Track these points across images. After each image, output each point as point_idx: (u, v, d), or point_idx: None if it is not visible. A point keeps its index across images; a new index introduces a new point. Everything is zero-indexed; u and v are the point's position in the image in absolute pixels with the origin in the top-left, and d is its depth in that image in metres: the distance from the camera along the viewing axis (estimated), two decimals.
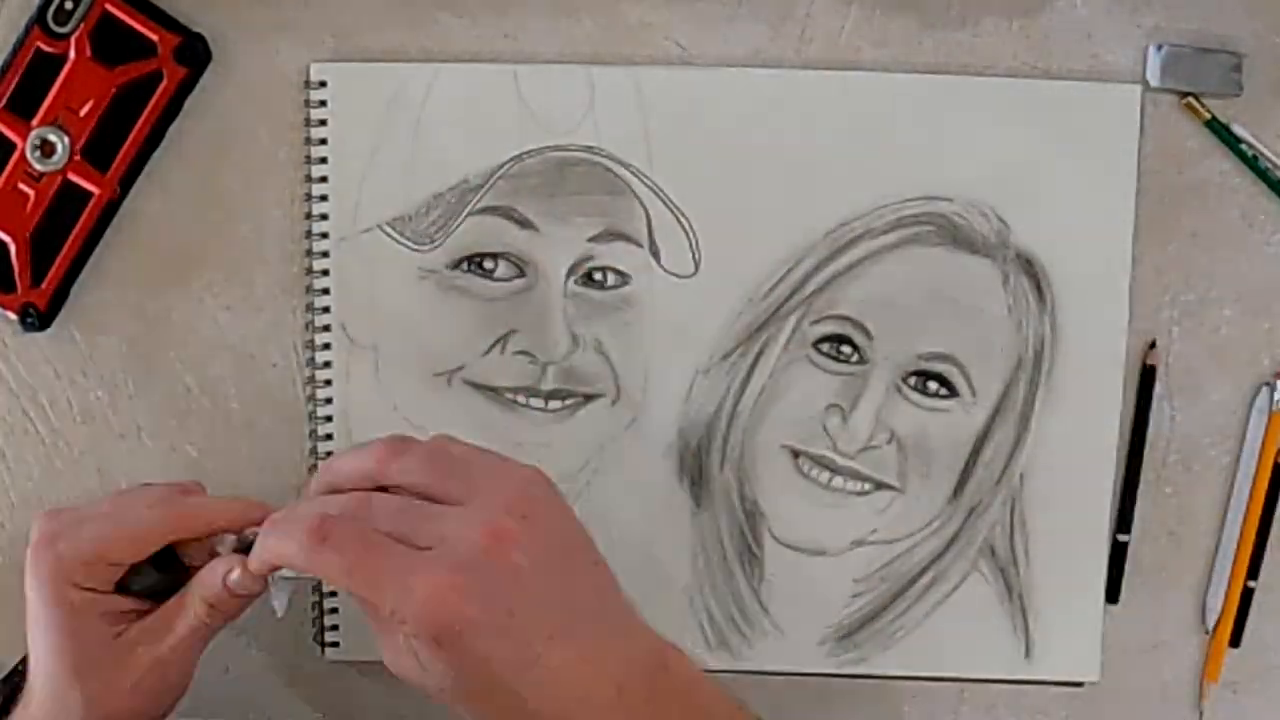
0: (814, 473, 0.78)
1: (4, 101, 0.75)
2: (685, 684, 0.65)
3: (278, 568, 0.65)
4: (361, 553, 0.61)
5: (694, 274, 0.77)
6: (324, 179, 0.77)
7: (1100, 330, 0.78)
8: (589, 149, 0.77)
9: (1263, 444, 0.79)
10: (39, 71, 0.75)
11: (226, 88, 0.77)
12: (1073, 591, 0.79)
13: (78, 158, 0.76)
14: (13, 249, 0.76)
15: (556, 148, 0.77)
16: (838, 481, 0.78)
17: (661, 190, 0.77)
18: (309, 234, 0.77)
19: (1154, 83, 0.77)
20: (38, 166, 0.76)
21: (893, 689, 0.81)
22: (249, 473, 0.79)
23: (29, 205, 0.76)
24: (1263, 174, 0.78)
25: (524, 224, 0.77)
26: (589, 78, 0.76)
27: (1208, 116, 0.77)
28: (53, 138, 0.75)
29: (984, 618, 0.79)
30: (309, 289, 0.77)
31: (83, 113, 0.75)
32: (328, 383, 0.78)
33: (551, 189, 0.77)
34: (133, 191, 0.77)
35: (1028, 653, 0.79)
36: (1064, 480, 0.78)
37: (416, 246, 0.77)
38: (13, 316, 0.77)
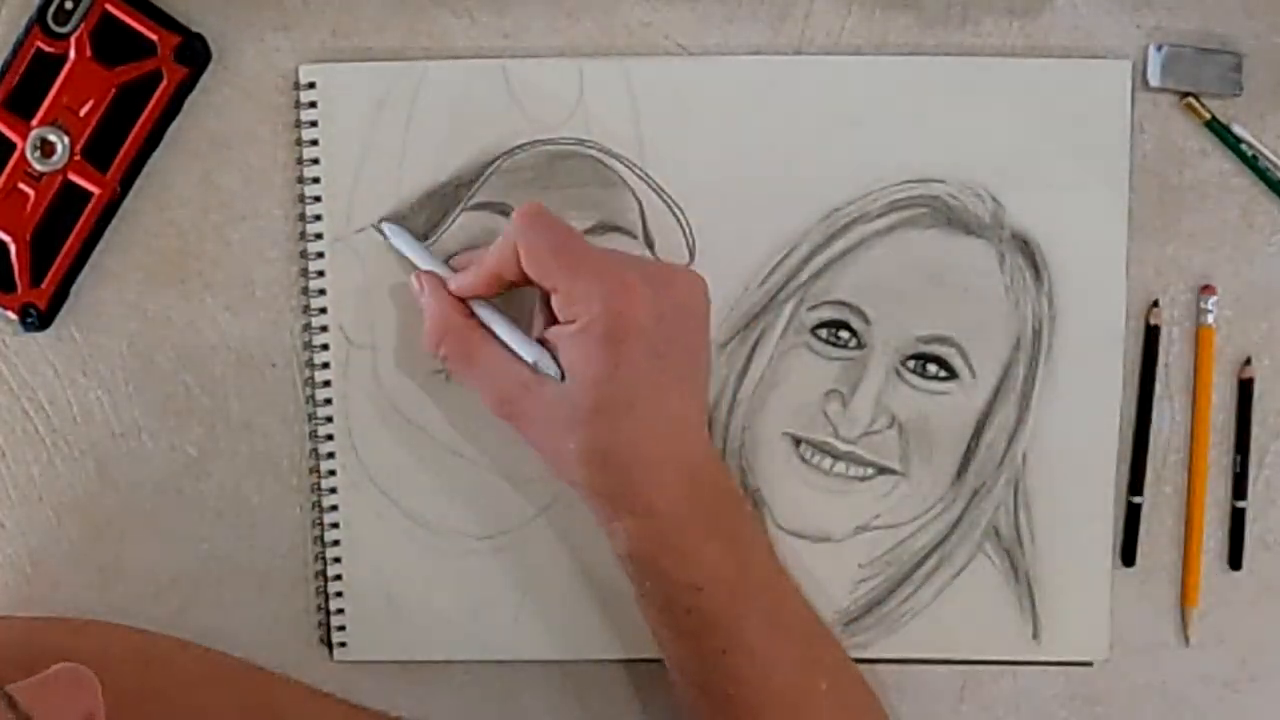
0: (815, 459, 0.78)
1: (4, 101, 0.75)
2: (738, 498, 0.74)
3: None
4: (570, 242, 0.69)
5: (689, 262, 0.77)
6: (317, 180, 0.76)
7: (1098, 308, 0.78)
8: (580, 142, 0.76)
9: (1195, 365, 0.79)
10: (39, 71, 0.75)
11: (226, 88, 0.77)
12: (1079, 571, 0.79)
13: (78, 158, 0.76)
14: (13, 249, 0.76)
15: (547, 141, 0.76)
16: (840, 467, 0.78)
17: (654, 181, 0.77)
18: (304, 235, 0.77)
19: (1154, 83, 0.77)
20: (38, 166, 0.75)
21: (899, 674, 0.80)
22: (249, 473, 0.79)
23: (29, 205, 0.76)
24: (1263, 174, 0.78)
25: None
26: (578, 70, 0.76)
27: (1208, 116, 0.77)
28: (53, 138, 0.75)
29: (990, 600, 0.79)
30: (305, 290, 0.77)
31: (83, 113, 0.75)
32: (327, 383, 0.78)
33: (544, 183, 0.76)
34: (133, 191, 0.77)
35: (1035, 633, 0.79)
36: (1067, 459, 0.78)
37: None
38: (13, 316, 0.77)
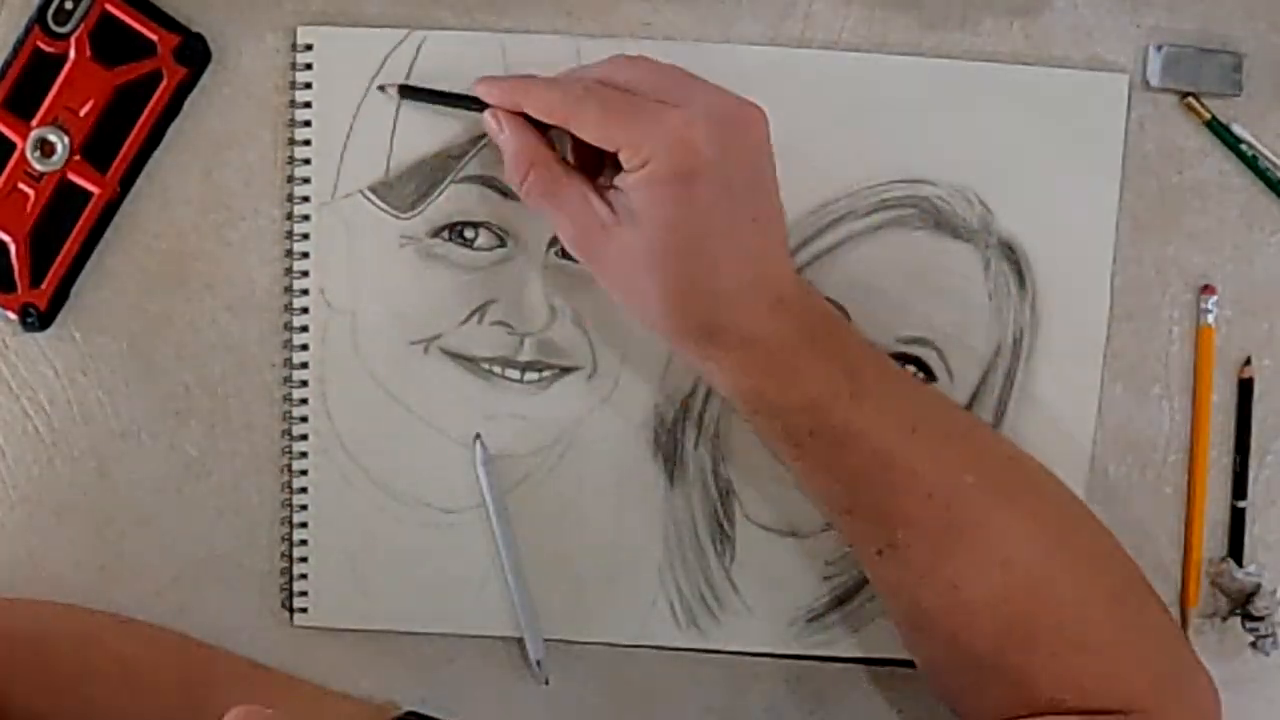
0: None
1: (4, 101, 0.75)
2: (834, 316, 0.74)
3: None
4: (619, 100, 0.69)
5: None
6: (307, 142, 0.76)
7: (1081, 320, 0.78)
8: None
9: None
10: (39, 71, 0.75)
11: (226, 88, 0.77)
12: None
13: (78, 158, 0.76)
14: (13, 249, 0.76)
15: None
16: None
17: None
18: (290, 197, 0.77)
19: (1154, 83, 0.77)
20: (38, 166, 0.76)
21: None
22: (249, 473, 0.79)
23: (29, 205, 0.76)
24: (1263, 174, 0.78)
25: (506, 194, 0.76)
26: (575, 48, 0.76)
27: (1208, 116, 0.77)
28: (53, 138, 0.75)
29: None
30: (289, 252, 0.77)
31: (83, 113, 0.75)
32: (304, 347, 0.77)
33: None
34: (133, 191, 0.77)
35: None
36: None
37: (397, 213, 0.77)
38: (13, 316, 0.77)
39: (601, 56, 0.74)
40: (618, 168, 0.70)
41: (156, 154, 0.77)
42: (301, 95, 0.76)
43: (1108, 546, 0.74)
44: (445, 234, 0.77)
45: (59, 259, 0.77)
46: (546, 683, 0.79)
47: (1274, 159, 0.78)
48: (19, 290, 0.77)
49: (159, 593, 0.80)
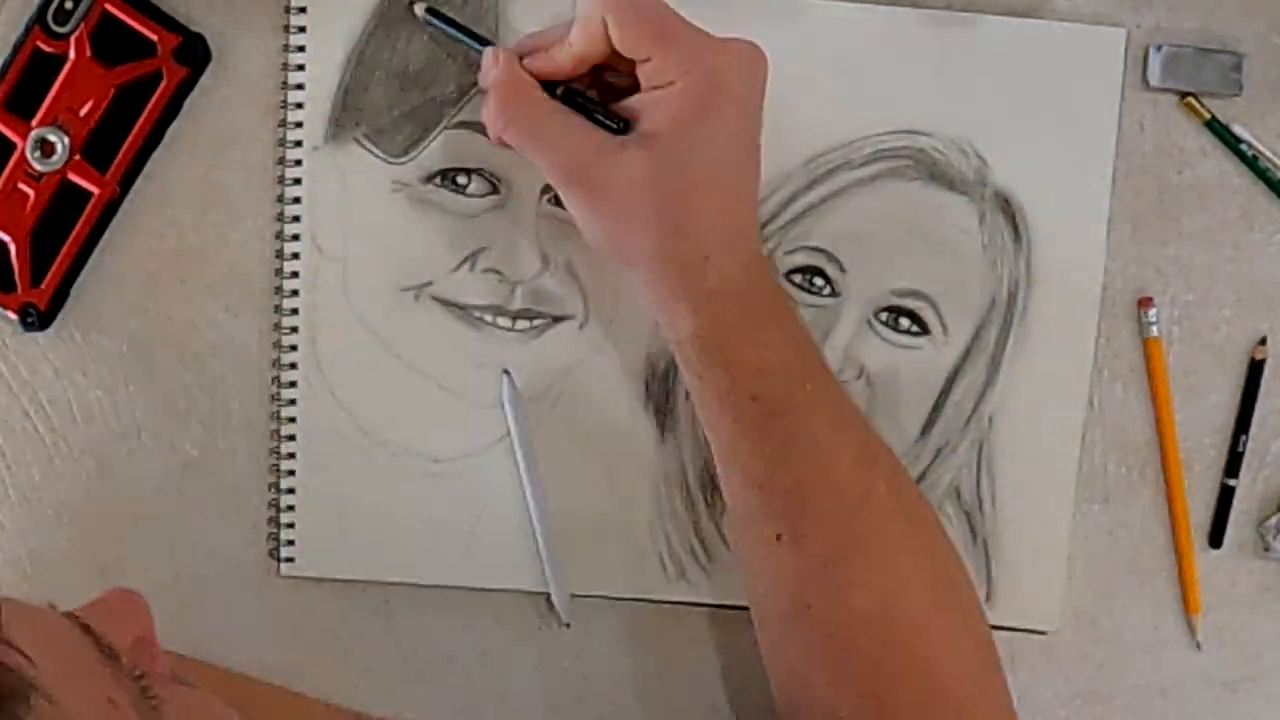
0: None
1: (4, 101, 0.75)
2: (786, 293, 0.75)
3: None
4: (657, 10, 0.69)
5: None
6: (300, 86, 0.76)
7: (1076, 273, 0.77)
8: None
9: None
10: (39, 71, 0.75)
11: (226, 88, 0.77)
12: (1038, 539, 0.79)
13: (78, 158, 0.76)
14: (13, 249, 0.76)
15: None
16: None
17: None
18: (283, 141, 0.77)
19: (1154, 83, 0.77)
20: (38, 166, 0.76)
21: None
22: (249, 473, 0.79)
23: (29, 205, 0.76)
24: (1263, 174, 0.78)
25: (501, 143, 0.75)
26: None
27: (1208, 116, 0.77)
28: (53, 138, 0.75)
29: None
30: (281, 197, 0.77)
31: (83, 113, 0.75)
32: (294, 293, 0.77)
33: None
34: (133, 191, 0.77)
35: (989, 598, 0.78)
36: (1033, 425, 0.78)
37: (390, 159, 0.76)
38: (13, 316, 0.77)
39: None
40: (617, 97, 0.70)
41: (156, 154, 0.77)
42: (296, 39, 0.76)
43: (978, 607, 0.74)
44: (438, 180, 0.77)
45: (59, 259, 0.77)
46: (568, 625, 0.79)
47: (1274, 159, 0.78)
48: (19, 290, 0.77)
49: (159, 592, 0.79)
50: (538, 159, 0.71)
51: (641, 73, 0.70)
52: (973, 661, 0.73)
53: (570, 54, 0.71)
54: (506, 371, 0.77)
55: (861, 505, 0.71)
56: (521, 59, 0.72)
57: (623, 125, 0.70)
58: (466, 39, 0.74)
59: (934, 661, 0.72)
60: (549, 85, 0.72)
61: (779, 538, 0.71)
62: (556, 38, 0.72)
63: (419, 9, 0.75)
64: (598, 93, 0.72)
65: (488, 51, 0.73)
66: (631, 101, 0.70)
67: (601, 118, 0.71)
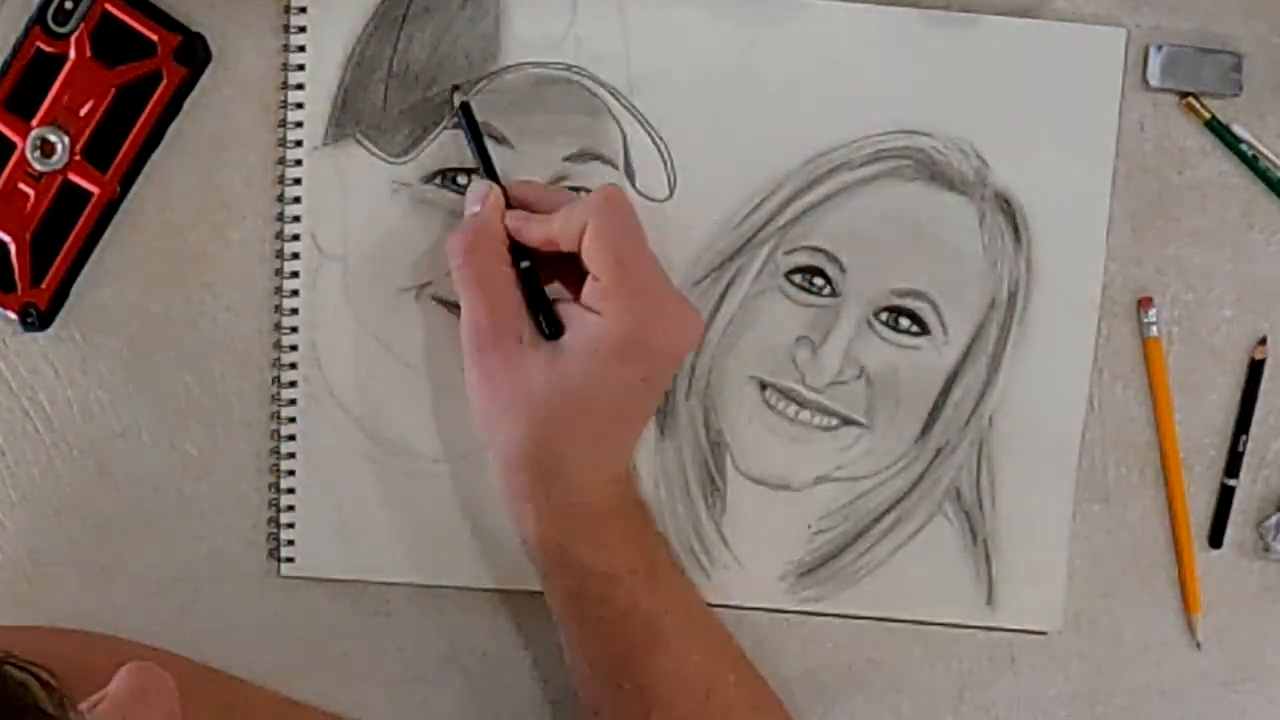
0: (781, 405, 0.78)
1: (4, 101, 0.75)
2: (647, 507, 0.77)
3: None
4: (635, 235, 0.71)
5: (668, 198, 0.77)
6: (300, 86, 0.76)
7: (1076, 274, 0.77)
8: (569, 68, 0.76)
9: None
10: (39, 71, 0.75)
11: (226, 88, 0.77)
12: (1038, 539, 0.79)
13: (78, 158, 0.76)
14: (13, 249, 0.76)
15: (536, 64, 0.76)
16: (804, 415, 0.78)
17: (639, 113, 0.76)
18: (283, 141, 0.77)
19: (1154, 83, 0.77)
20: (38, 166, 0.76)
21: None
22: (249, 473, 0.79)
23: (29, 205, 0.76)
24: (1263, 174, 0.78)
25: (499, 140, 0.76)
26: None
27: (1208, 116, 0.77)
28: (53, 138, 0.75)
29: (946, 561, 0.79)
30: (281, 197, 0.77)
31: (83, 113, 0.75)
32: (294, 293, 0.77)
33: (529, 106, 0.76)
34: (133, 191, 0.77)
35: (989, 599, 0.79)
36: (1033, 425, 0.78)
37: (390, 159, 0.77)
38: (13, 316, 0.77)
39: (596, 6, 0.75)
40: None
41: (156, 154, 0.77)
42: (296, 39, 0.76)
43: None
44: (438, 180, 0.77)
45: (59, 259, 0.77)
46: None
47: (1274, 159, 0.78)
48: (19, 290, 0.77)
49: (159, 593, 0.80)
50: (466, 309, 0.72)
51: (588, 287, 0.71)
52: None
53: (545, 232, 0.72)
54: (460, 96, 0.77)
55: (712, 692, 0.73)
56: (508, 202, 0.73)
57: (554, 332, 0.72)
58: (478, 155, 0.75)
59: None
60: (516, 248, 0.73)
61: None
62: (548, 203, 0.73)
63: (458, 98, 0.76)
64: (557, 273, 0.73)
65: (481, 185, 0.74)
66: (566, 307, 0.72)
67: (540, 317, 0.72)
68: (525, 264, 0.72)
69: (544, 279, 0.73)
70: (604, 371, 0.70)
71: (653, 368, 0.72)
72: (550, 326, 0.72)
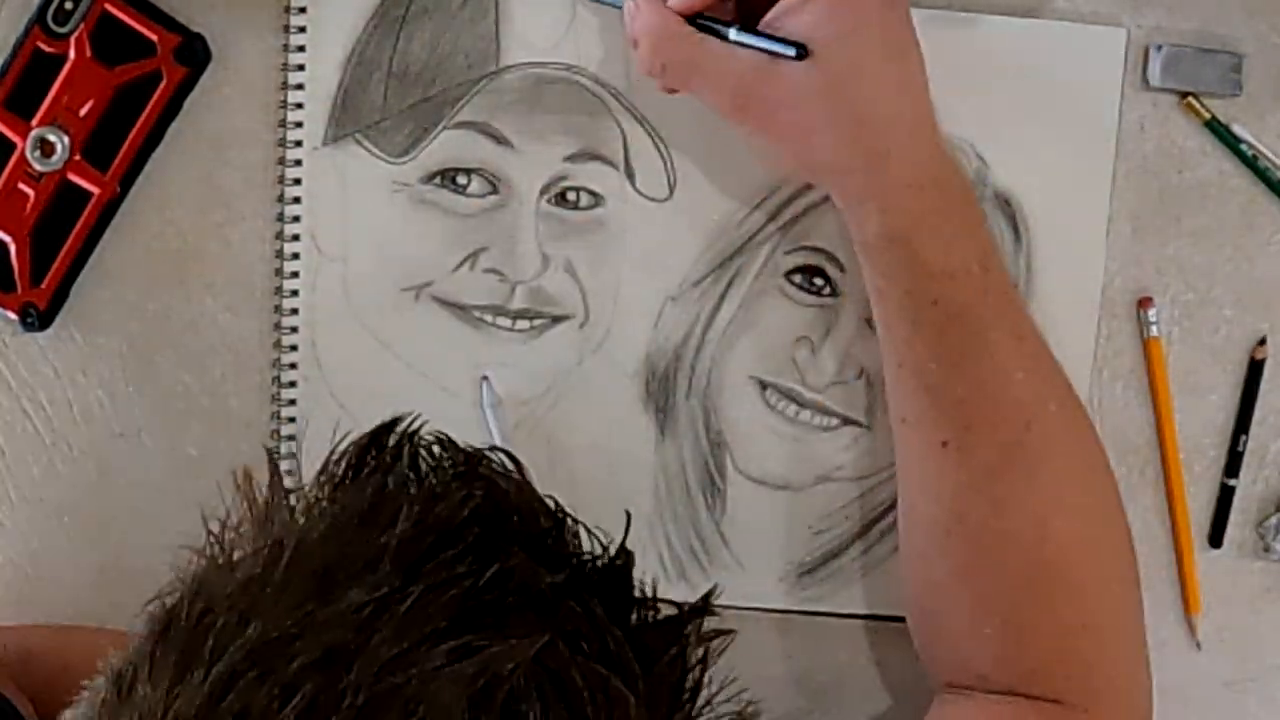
0: (781, 405, 0.78)
1: (4, 101, 0.75)
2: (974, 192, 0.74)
3: None
4: None
5: (668, 198, 0.77)
6: (300, 86, 0.76)
7: (1076, 273, 0.78)
8: (569, 68, 0.76)
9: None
10: (39, 71, 0.75)
11: (226, 88, 0.77)
12: None
13: (78, 157, 0.76)
14: (13, 249, 0.76)
15: (536, 64, 0.76)
16: (804, 416, 0.78)
17: (639, 112, 0.76)
18: (283, 141, 0.77)
19: (1154, 83, 0.77)
20: (38, 166, 0.76)
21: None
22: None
23: (29, 205, 0.76)
24: (1263, 174, 0.78)
25: (499, 140, 0.76)
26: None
27: (1208, 116, 0.77)
28: (53, 138, 0.75)
29: None
30: (281, 197, 0.77)
31: (83, 113, 0.75)
32: (294, 293, 0.77)
33: (529, 106, 0.76)
34: (133, 191, 0.77)
35: None
36: None
37: (390, 159, 0.77)
38: (13, 316, 0.77)
39: (596, 7, 0.74)
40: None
41: (156, 154, 0.77)
42: (295, 39, 0.76)
43: (1130, 545, 0.74)
44: (437, 180, 0.77)
45: (59, 259, 0.77)
46: None
47: (1274, 159, 0.78)
48: (19, 290, 0.77)
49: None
50: (701, 95, 0.71)
51: (777, 7, 0.69)
52: (1119, 599, 0.73)
53: None
54: (485, 377, 0.77)
55: (1031, 422, 0.70)
56: None
57: (801, 51, 0.69)
58: None
59: (1082, 593, 0.71)
60: (692, 20, 0.71)
61: (945, 445, 0.71)
62: None
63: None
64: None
65: (627, 2, 0.72)
66: (778, 11, 0.69)
67: (775, 46, 0.69)
68: (733, 31, 0.70)
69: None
70: (851, 37, 0.68)
71: (882, 7, 0.69)
72: (799, 50, 0.69)
